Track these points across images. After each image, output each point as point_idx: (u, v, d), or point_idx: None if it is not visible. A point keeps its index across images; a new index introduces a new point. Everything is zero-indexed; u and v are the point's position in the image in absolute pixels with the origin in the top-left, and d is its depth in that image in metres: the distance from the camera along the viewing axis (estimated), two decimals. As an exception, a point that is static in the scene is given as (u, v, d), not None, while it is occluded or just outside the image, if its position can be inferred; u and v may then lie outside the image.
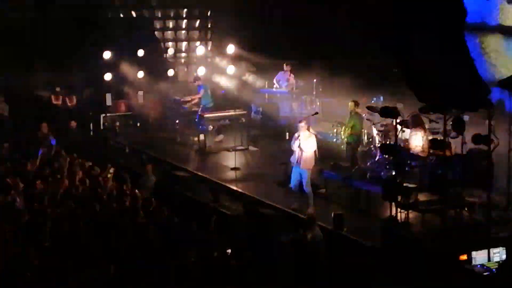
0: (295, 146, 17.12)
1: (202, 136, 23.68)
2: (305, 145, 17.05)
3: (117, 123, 26.77)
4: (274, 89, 26.47)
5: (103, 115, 26.93)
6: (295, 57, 26.59)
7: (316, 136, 17.79)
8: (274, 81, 26.31)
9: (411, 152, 16.46)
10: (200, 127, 23.79)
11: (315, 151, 17.26)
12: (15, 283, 11.54)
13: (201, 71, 27.10)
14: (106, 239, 13.95)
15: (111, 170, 19.28)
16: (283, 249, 15.22)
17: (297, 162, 17.15)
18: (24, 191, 17.11)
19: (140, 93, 27.68)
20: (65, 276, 11.96)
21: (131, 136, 25.79)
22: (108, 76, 26.76)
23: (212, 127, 23.81)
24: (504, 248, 13.99)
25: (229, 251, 13.68)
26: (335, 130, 21.01)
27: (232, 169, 20.87)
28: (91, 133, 26.16)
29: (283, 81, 26.17)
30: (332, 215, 15.83)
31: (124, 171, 19.83)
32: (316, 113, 21.55)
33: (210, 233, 14.59)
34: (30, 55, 26.54)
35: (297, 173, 17.14)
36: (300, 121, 17.61)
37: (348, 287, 12.93)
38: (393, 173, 15.69)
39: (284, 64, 26.24)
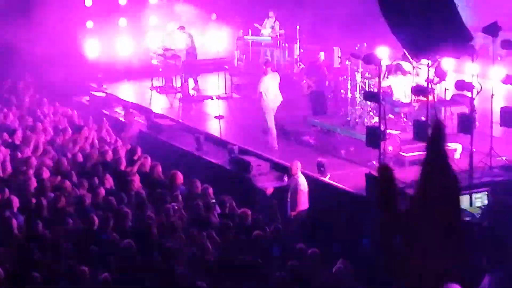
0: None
1: (185, 84, 23.58)
2: (263, 87, 17.95)
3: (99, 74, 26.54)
4: (258, 37, 26.38)
5: (85, 61, 26.68)
6: (280, 5, 26.47)
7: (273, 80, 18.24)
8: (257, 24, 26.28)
9: (394, 98, 16.49)
10: (183, 74, 23.67)
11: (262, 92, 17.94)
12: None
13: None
14: (90, 187, 13.96)
15: None
16: (267, 197, 15.32)
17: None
18: (5, 142, 17.08)
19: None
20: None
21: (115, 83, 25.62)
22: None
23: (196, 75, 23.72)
24: (486, 193, 14.10)
25: (213, 201, 13.71)
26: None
27: (216, 117, 20.84)
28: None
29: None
30: (316, 162, 15.88)
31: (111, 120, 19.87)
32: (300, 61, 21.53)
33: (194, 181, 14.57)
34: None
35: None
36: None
37: (332, 234, 12.99)
38: (377, 120, 15.71)
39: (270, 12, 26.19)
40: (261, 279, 10.13)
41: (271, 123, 18.02)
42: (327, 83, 20.14)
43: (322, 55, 21.06)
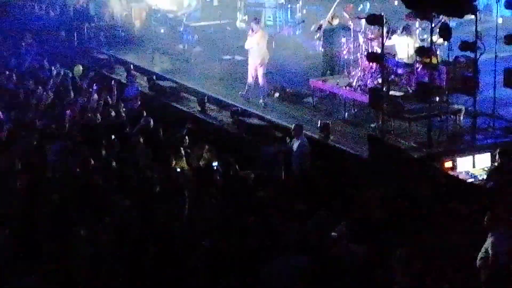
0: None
1: (187, 46, 23.49)
2: (248, 44, 18.83)
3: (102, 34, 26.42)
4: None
5: (87, 25, 26.58)
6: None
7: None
8: None
9: (397, 60, 16.41)
10: (185, 35, 23.57)
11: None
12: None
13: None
14: (97, 151, 13.95)
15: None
16: (270, 160, 15.32)
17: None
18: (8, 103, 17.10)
19: (124, 1, 27.31)
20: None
21: (116, 46, 25.51)
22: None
23: (197, 36, 23.60)
24: (489, 154, 14.11)
25: (215, 164, 13.71)
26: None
27: (220, 79, 20.78)
28: (76, 43, 25.82)
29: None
30: (319, 124, 15.86)
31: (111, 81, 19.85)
32: (303, 21, 21.40)
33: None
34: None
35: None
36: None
37: (334, 195, 13.00)
38: (380, 81, 15.65)
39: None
40: (263, 240, 10.14)
41: (251, 77, 18.85)
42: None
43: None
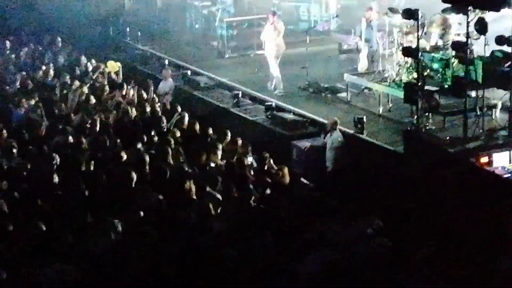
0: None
1: (222, 40, 23.53)
2: (264, 35, 19.62)
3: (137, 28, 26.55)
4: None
5: (122, 19, 26.74)
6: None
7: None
8: None
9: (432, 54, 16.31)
10: (220, 30, 23.62)
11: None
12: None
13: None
14: (132, 146, 14.00)
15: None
16: (304, 154, 15.32)
17: None
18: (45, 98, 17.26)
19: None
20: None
21: (151, 41, 25.62)
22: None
23: (231, 31, 23.63)
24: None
25: (249, 158, 13.71)
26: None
27: (253, 73, 20.79)
28: (111, 38, 25.96)
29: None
30: (354, 119, 15.82)
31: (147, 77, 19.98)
32: (337, 15, 21.33)
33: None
34: None
35: None
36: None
37: (367, 190, 12.96)
38: (415, 76, 15.55)
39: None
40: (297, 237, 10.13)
41: (272, 69, 19.32)
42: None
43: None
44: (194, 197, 11.39)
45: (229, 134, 14.66)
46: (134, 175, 11.94)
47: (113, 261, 9.29)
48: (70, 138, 14.19)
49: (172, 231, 10.14)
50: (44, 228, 9.93)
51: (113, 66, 20.36)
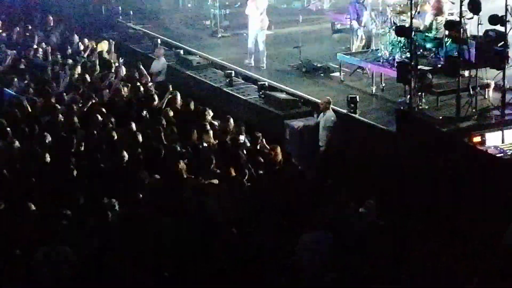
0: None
1: (215, 19, 23.45)
2: (247, 10, 19.65)
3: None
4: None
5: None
6: None
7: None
8: None
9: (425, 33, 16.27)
10: (213, 10, 23.53)
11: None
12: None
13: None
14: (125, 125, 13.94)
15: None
16: (297, 133, 15.30)
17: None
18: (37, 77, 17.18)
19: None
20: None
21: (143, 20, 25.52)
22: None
23: (224, 11, 23.54)
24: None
25: (241, 137, 13.70)
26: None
27: (246, 53, 20.72)
28: (104, 17, 25.85)
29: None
30: (347, 98, 15.79)
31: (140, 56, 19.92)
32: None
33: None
34: None
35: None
36: None
37: (360, 170, 12.98)
38: (408, 55, 15.52)
39: None
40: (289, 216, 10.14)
41: (251, 43, 19.54)
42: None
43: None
44: (186, 176, 11.37)
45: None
46: (126, 154, 11.91)
47: (111, 242, 9.29)
48: (61, 117, 14.12)
49: (169, 211, 10.14)
50: (34, 208, 9.91)
51: (104, 45, 20.29)
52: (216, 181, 11.36)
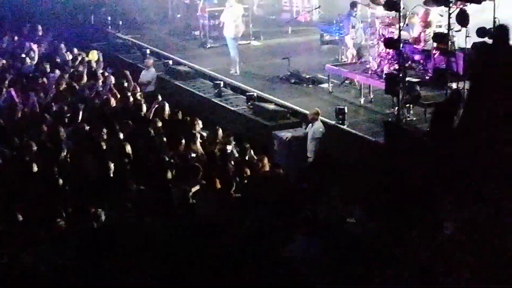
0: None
1: (204, 30, 23.48)
2: (223, 17, 20.49)
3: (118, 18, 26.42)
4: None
5: (103, 8, 26.63)
6: None
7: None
8: None
9: (414, 46, 16.32)
10: (202, 20, 23.55)
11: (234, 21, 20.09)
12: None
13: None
14: (112, 131, 13.90)
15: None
16: (285, 144, 15.30)
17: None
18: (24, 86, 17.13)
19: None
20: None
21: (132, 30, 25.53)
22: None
23: (213, 21, 23.58)
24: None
25: (229, 147, 13.69)
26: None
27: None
28: (93, 27, 25.85)
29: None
30: (335, 109, 15.81)
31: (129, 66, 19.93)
32: (319, 6, 21.33)
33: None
34: None
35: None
36: None
37: (348, 181, 12.95)
38: (396, 67, 15.56)
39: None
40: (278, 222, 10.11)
41: (232, 50, 20.13)
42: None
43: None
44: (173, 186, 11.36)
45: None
46: (112, 165, 11.88)
47: (98, 248, 9.24)
48: (45, 128, 14.07)
49: (157, 220, 10.11)
50: (22, 218, 9.87)
51: (93, 56, 20.28)
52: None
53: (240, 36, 20.43)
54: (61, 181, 11.30)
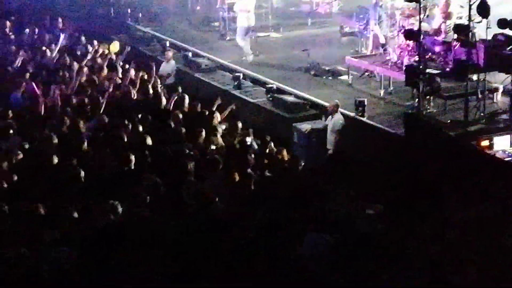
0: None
1: (223, 22, 23.47)
2: (236, 8, 21.00)
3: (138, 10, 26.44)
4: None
5: (123, 1, 26.67)
6: None
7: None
8: None
9: (434, 37, 16.25)
10: (221, 12, 23.54)
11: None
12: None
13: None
14: (133, 127, 13.91)
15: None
16: (305, 136, 15.29)
17: None
18: (45, 79, 17.18)
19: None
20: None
21: (152, 23, 25.54)
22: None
23: (232, 13, 23.56)
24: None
25: (248, 139, 13.68)
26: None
27: (255, 55, 20.74)
28: (113, 20, 25.87)
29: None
30: (355, 101, 15.77)
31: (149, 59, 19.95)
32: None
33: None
34: None
35: None
36: None
37: (367, 173, 12.93)
38: (416, 59, 15.50)
39: None
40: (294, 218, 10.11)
41: (239, 39, 20.64)
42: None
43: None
44: (193, 179, 11.35)
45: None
46: (133, 157, 11.89)
47: (112, 243, 9.25)
48: (67, 120, 14.11)
49: (173, 214, 10.11)
50: (43, 212, 9.90)
51: (115, 47, 20.30)
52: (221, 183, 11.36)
53: (252, 26, 20.68)
54: (82, 173, 11.32)
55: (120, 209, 9.92)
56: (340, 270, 8.49)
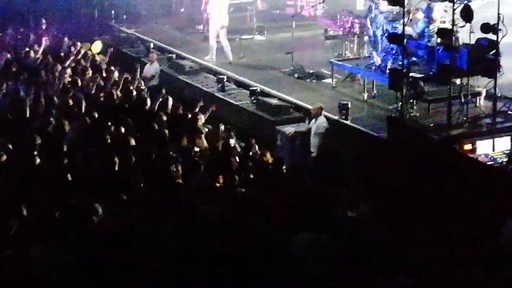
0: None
1: (207, 24, 23.41)
2: (209, 8, 21.24)
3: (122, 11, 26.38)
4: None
5: (107, 2, 26.59)
6: None
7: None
8: None
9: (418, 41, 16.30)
10: (205, 15, 23.51)
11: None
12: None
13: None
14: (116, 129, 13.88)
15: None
16: (288, 139, 15.31)
17: None
18: (28, 79, 17.09)
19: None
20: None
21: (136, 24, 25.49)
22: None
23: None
24: (509, 137, 14.03)
25: (232, 141, 13.68)
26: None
27: (239, 58, 20.75)
28: (96, 21, 25.80)
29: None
30: (338, 104, 15.81)
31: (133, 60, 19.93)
32: (323, 1, 21.30)
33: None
34: None
35: None
36: None
37: (351, 176, 12.97)
38: (400, 62, 15.55)
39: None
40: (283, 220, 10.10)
41: (212, 40, 20.76)
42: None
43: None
44: (180, 181, 11.34)
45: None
46: (117, 159, 11.86)
47: (104, 244, 9.23)
48: (52, 120, 14.06)
49: (160, 216, 10.09)
50: (26, 213, 9.86)
51: (97, 48, 20.26)
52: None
53: (226, 26, 20.65)
54: (69, 176, 11.28)
55: (100, 211, 9.88)
56: (339, 273, 8.49)
